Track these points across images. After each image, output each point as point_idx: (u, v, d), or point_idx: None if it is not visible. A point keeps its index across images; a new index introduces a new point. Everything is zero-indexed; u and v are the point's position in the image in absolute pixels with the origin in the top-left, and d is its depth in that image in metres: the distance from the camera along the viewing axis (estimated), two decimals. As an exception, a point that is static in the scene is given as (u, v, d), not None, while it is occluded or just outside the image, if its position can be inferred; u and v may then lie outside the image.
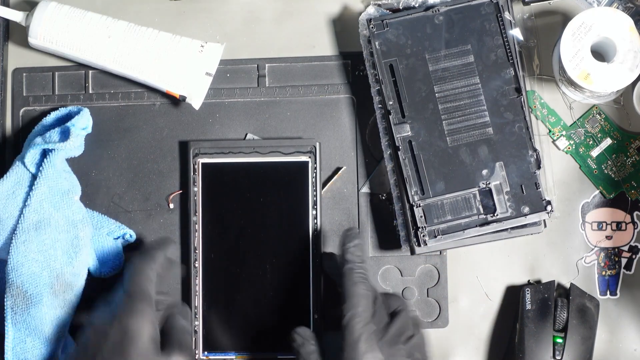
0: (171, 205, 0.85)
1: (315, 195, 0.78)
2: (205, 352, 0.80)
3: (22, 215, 0.79)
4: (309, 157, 0.78)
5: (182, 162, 0.84)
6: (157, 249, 0.77)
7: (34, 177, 0.81)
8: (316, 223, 0.79)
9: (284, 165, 0.78)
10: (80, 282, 0.80)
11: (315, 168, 0.78)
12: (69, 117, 0.84)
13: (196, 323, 0.81)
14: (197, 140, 0.80)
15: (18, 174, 0.81)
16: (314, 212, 0.78)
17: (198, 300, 0.81)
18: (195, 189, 0.80)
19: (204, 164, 0.79)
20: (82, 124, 0.83)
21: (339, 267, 0.75)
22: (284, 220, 0.80)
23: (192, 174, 0.79)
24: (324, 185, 0.83)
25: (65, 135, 0.82)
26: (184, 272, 0.80)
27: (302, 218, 0.80)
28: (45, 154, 0.81)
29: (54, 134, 0.82)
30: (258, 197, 0.79)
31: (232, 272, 0.81)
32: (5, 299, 0.78)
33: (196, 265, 0.81)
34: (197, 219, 0.81)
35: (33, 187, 0.80)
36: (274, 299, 0.80)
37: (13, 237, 0.79)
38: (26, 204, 0.80)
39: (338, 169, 0.84)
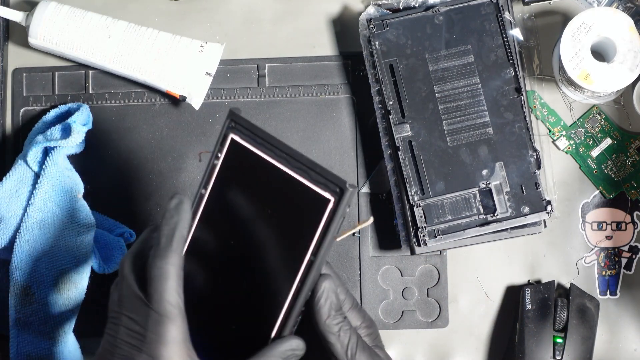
0: (201, 160, 0.84)
1: (320, 243, 0.63)
2: None
3: (25, 214, 0.79)
4: (333, 197, 0.62)
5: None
6: (173, 237, 0.63)
7: (37, 175, 0.81)
8: (307, 273, 0.63)
9: (304, 190, 0.64)
10: (84, 280, 0.80)
11: (334, 213, 0.63)
12: (69, 114, 0.84)
13: None
14: (239, 115, 0.66)
15: (21, 172, 0.81)
16: (312, 258, 0.63)
17: None
18: (215, 161, 0.67)
19: (233, 140, 0.66)
20: (83, 120, 0.84)
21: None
22: (279, 245, 0.65)
23: (218, 144, 0.67)
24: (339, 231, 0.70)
25: (66, 132, 0.82)
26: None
27: (296, 257, 0.64)
28: (47, 152, 0.81)
29: (55, 131, 0.82)
30: (265, 205, 0.66)
31: (207, 271, 0.68)
32: (9, 298, 0.78)
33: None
34: (204, 192, 0.67)
35: (36, 186, 0.80)
36: (236, 312, 0.67)
37: (17, 236, 0.79)
38: (30, 202, 0.80)
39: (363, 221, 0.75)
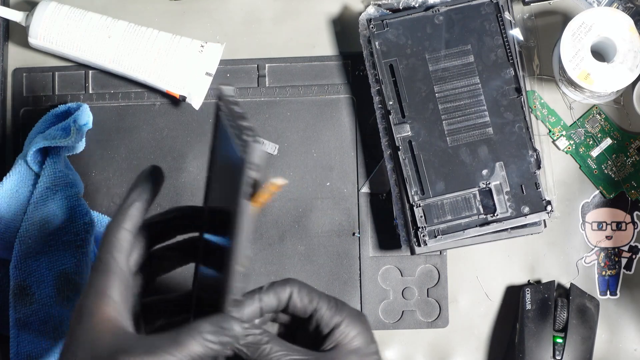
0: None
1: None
2: None
3: (25, 214, 0.79)
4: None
5: None
6: (129, 200, 0.62)
7: (37, 175, 0.81)
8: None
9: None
10: (84, 280, 0.80)
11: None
12: (68, 113, 0.84)
13: None
14: (224, 95, 0.63)
15: (21, 172, 0.81)
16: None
17: None
18: (214, 143, 0.65)
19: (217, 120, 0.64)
20: (83, 119, 0.84)
21: None
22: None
23: (213, 127, 0.65)
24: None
25: (66, 132, 0.82)
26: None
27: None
28: (47, 151, 0.81)
29: (56, 131, 0.82)
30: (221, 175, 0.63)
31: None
32: (9, 298, 0.78)
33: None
34: (210, 175, 0.65)
35: (37, 186, 0.80)
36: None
37: (17, 236, 0.79)
38: (30, 202, 0.80)
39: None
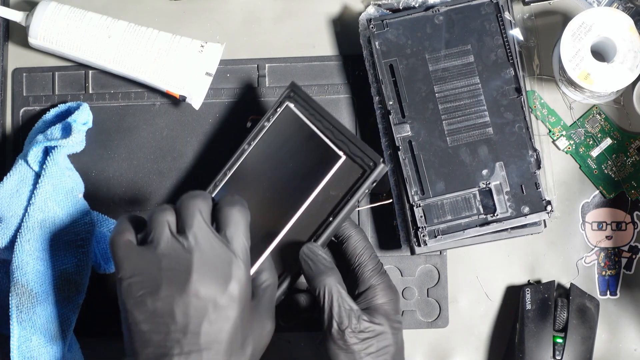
0: (248, 124, 0.84)
1: (341, 205, 0.75)
2: None
3: (26, 214, 0.79)
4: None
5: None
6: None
7: (38, 175, 0.81)
8: (325, 229, 0.75)
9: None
10: (84, 279, 0.80)
11: (360, 183, 0.74)
12: (68, 112, 0.84)
13: None
14: (298, 86, 0.78)
15: (21, 172, 0.81)
16: (331, 219, 0.75)
17: None
18: (266, 123, 0.79)
19: (287, 108, 0.78)
20: (83, 119, 0.84)
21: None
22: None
23: (273, 108, 0.79)
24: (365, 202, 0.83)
25: (66, 132, 0.82)
26: None
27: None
28: (47, 151, 0.81)
29: (56, 130, 0.82)
30: (302, 166, 0.76)
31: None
32: (10, 298, 0.78)
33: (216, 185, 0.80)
34: (247, 148, 0.80)
35: (37, 186, 0.80)
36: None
37: (18, 236, 0.79)
38: (30, 202, 0.80)
39: (384, 198, 0.84)
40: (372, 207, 0.85)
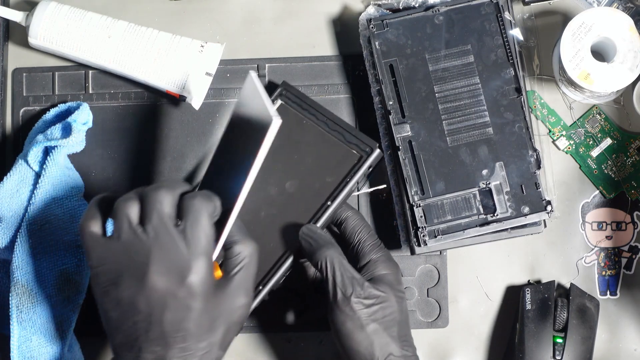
0: None
1: (339, 190, 0.78)
2: None
3: (26, 214, 0.79)
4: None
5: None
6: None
7: (38, 175, 0.81)
8: (321, 213, 0.78)
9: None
10: (84, 279, 0.80)
11: (357, 168, 0.78)
12: (68, 112, 0.84)
13: None
14: (290, 85, 0.81)
15: (21, 172, 0.81)
16: (329, 203, 0.78)
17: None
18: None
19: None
20: (83, 118, 0.84)
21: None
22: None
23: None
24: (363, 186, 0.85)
25: (66, 132, 0.82)
26: None
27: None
28: (47, 151, 0.81)
29: (56, 130, 0.82)
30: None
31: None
32: (10, 298, 0.78)
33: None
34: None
35: (37, 186, 0.80)
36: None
37: (18, 236, 0.79)
38: (30, 202, 0.80)
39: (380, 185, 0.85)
40: (369, 197, 0.85)
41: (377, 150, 0.78)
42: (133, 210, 0.68)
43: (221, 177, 0.74)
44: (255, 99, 0.71)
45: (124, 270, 0.67)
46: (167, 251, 0.66)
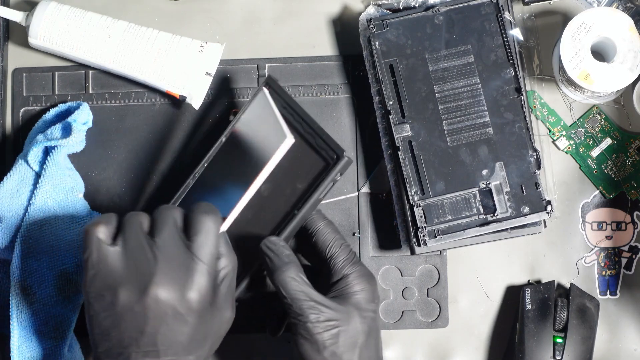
0: (231, 118, 0.85)
1: (305, 198, 0.75)
2: None
3: (26, 214, 0.79)
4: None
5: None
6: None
7: (38, 175, 0.81)
8: (287, 224, 0.76)
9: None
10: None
11: (324, 176, 0.74)
12: (68, 112, 0.84)
13: None
14: (274, 80, 0.78)
15: (21, 172, 0.81)
16: (295, 212, 0.75)
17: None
18: (242, 115, 0.79)
19: (261, 97, 0.78)
20: (83, 118, 0.84)
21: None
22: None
23: (248, 99, 0.78)
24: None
25: (66, 131, 0.82)
26: None
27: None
28: (47, 151, 0.81)
29: (56, 130, 0.82)
30: (256, 155, 0.76)
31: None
32: (10, 298, 0.78)
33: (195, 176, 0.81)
34: (223, 140, 0.80)
35: (37, 186, 0.80)
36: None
37: (18, 236, 0.79)
38: (31, 202, 0.80)
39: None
40: (369, 197, 0.85)
41: (346, 158, 0.74)
42: (144, 221, 0.68)
43: (213, 189, 0.74)
44: (267, 115, 0.71)
45: (125, 276, 0.66)
46: (174, 264, 0.66)
